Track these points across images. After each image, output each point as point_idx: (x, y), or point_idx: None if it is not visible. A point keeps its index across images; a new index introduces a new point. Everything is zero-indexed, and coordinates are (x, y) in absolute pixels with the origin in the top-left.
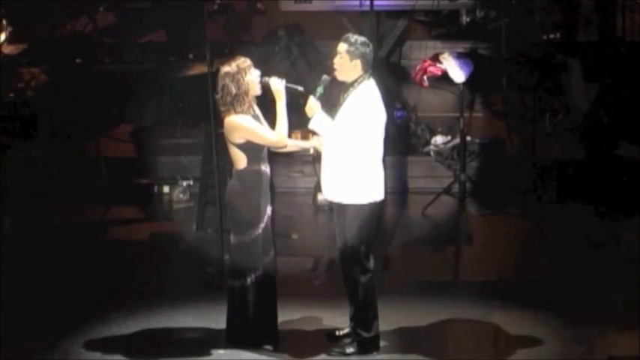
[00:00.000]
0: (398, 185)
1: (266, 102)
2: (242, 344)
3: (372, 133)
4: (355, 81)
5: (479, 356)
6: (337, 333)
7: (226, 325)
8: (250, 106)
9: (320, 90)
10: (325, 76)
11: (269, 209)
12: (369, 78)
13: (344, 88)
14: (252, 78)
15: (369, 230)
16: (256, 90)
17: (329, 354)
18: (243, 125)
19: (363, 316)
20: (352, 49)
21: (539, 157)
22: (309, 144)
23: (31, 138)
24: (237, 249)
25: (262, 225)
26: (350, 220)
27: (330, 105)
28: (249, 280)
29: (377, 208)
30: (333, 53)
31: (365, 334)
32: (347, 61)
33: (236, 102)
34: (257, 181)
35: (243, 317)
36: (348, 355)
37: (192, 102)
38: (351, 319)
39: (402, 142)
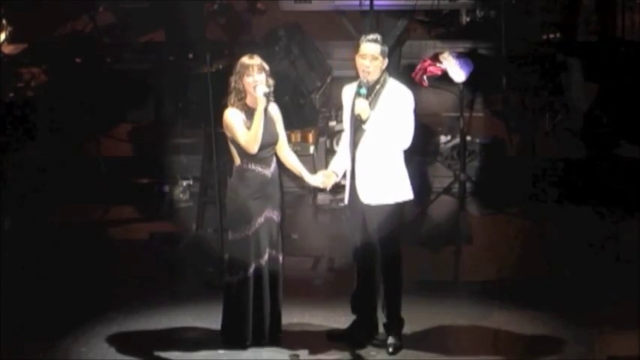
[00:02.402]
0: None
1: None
2: (233, 342)
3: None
4: (380, 79)
5: (479, 356)
6: (343, 330)
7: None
8: (252, 104)
9: (364, 91)
10: (361, 79)
11: (269, 212)
12: (388, 75)
13: (369, 88)
14: (249, 80)
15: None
16: (252, 92)
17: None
18: (226, 119)
19: (400, 305)
20: (384, 48)
21: (539, 157)
22: (312, 180)
23: (30, 138)
24: (230, 246)
25: (255, 226)
26: (390, 219)
27: (331, 106)
28: (236, 278)
29: None
30: (333, 53)
31: (401, 323)
32: (381, 62)
33: (232, 95)
34: (250, 180)
35: (233, 314)
36: (397, 348)
37: (191, 102)
38: (390, 311)
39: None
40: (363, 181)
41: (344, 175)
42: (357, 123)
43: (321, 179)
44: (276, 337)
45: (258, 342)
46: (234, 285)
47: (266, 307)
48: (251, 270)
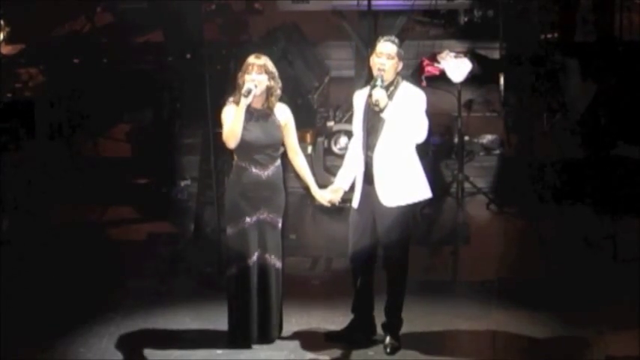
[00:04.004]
0: None
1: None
2: (234, 339)
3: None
4: (394, 81)
5: (478, 356)
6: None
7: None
8: (251, 102)
9: (380, 82)
10: (376, 75)
11: (263, 214)
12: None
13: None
14: (248, 78)
15: None
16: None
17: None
18: (221, 114)
19: (402, 305)
20: (400, 50)
21: (537, 157)
22: (319, 195)
23: (29, 138)
24: (225, 241)
25: (243, 225)
26: (406, 219)
27: (329, 106)
28: (228, 273)
29: None
30: (331, 53)
31: (400, 323)
32: (396, 62)
33: (236, 92)
34: (243, 178)
35: (230, 309)
36: (395, 349)
37: (189, 102)
38: (392, 311)
39: None
40: (383, 184)
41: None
42: (375, 115)
43: (328, 196)
44: (267, 339)
45: (247, 342)
46: (229, 280)
47: (252, 309)
48: (237, 269)
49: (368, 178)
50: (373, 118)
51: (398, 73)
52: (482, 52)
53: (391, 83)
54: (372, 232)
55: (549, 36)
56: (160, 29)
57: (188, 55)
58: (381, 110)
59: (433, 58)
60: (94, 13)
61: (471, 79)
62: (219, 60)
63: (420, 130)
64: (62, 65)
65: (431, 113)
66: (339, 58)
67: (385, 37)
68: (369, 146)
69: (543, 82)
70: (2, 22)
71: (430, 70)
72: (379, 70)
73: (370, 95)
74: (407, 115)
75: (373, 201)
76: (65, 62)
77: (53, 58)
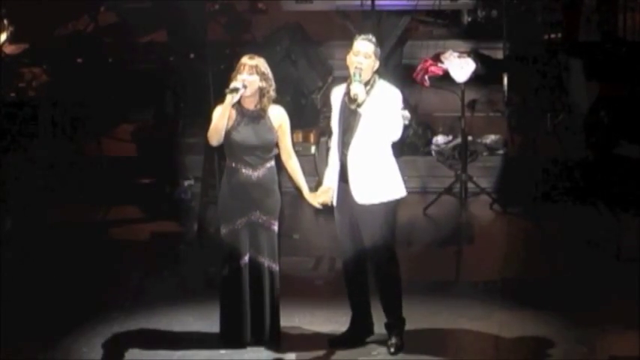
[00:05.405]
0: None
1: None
2: (225, 339)
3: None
4: (370, 80)
5: (480, 356)
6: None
7: None
8: (243, 101)
9: (358, 77)
10: (354, 72)
11: (254, 216)
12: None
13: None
14: (239, 77)
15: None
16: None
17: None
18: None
19: (400, 304)
20: (377, 49)
21: (541, 157)
22: (311, 199)
23: (32, 138)
24: (220, 239)
25: (234, 226)
26: (385, 218)
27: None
28: (221, 273)
29: None
30: (334, 53)
31: (402, 323)
32: (373, 61)
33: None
34: (233, 179)
35: (221, 308)
36: (399, 348)
37: (193, 101)
38: (391, 311)
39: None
40: (357, 182)
41: None
42: (351, 113)
43: (320, 199)
44: (259, 340)
45: (239, 342)
46: (222, 280)
47: (244, 310)
48: (227, 269)
49: (343, 176)
50: (349, 116)
51: (375, 72)
52: (486, 52)
53: (368, 82)
54: (357, 229)
55: (553, 36)
56: (163, 29)
57: (192, 55)
58: (359, 105)
59: (437, 58)
60: (97, 12)
61: (475, 79)
62: (222, 60)
63: (395, 128)
64: (66, 65)
65: (434, 113)
66: (342, 58)
67: (362, 36)
68: (344, 144)
69: (547, 82)
70: (6, 22)
71: (434, 70)
72: (356, 68)
73: (348, 90)
74: (383, 112)
75: (350, 199)
76: (69, 62)
77: (57, 58)
